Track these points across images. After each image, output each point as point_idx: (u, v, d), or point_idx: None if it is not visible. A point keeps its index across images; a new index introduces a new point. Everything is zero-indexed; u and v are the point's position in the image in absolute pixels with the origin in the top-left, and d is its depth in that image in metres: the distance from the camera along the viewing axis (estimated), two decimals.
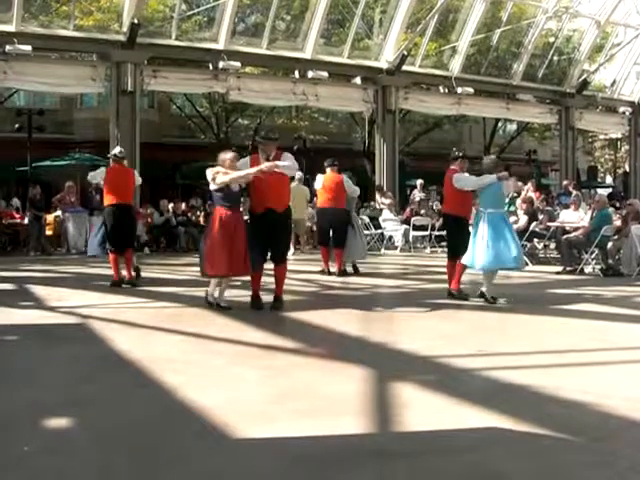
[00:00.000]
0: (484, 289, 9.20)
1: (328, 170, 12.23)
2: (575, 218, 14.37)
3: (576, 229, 13.45)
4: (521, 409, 4.50)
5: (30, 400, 4.76)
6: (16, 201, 19.72)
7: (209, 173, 8.32)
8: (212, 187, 8.31)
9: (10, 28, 17.08)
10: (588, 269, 12.86)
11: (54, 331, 7.28)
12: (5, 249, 17.45)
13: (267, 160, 8.22)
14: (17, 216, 18.69)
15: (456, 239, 9.53)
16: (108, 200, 10.39)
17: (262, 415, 4.40)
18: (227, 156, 8.33)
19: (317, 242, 12.67)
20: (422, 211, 19.63)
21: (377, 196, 20.63)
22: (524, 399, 4.80)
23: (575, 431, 4.11)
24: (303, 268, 12.61)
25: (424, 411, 4.49)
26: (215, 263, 8.15)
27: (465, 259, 9.16)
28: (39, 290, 10.07)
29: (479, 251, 8.93)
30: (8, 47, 16.97)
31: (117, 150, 11.05)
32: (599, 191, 31.86)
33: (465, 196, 9.47)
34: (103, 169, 11.03)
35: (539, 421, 4.22)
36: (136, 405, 4.69)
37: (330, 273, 12.08)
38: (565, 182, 22.93)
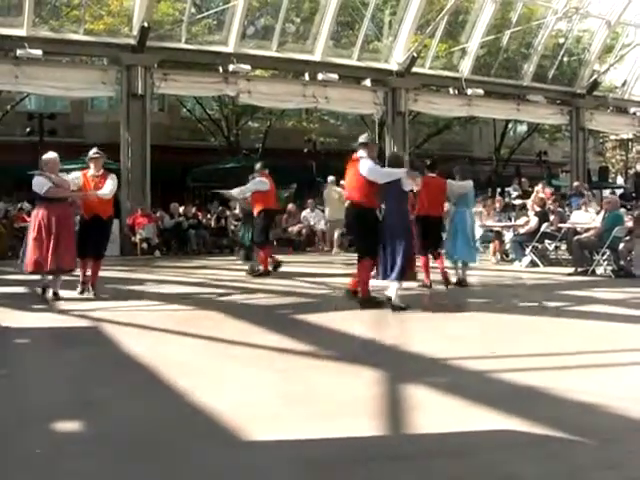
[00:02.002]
0: (464, 277, 10.74)
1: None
2: (586, 219, 14.31)
3: (587, 230, 13.40)
4: (533, 411, 4.49)
5: (42, 402, 4.79)
6: (27, 205, 19.75)
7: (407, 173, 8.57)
8: (407, 189, 8.64)
9: (21, 32, 17.17)
10: (599, 270, 12.80)
11: (66, 334, 7.32)
12: (16, 252, 17.51)
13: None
14: (28, 219, 18.75)
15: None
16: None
17: (276, 417, 4.41)
18: (406, 158, 8.67)
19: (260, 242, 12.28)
20: None
21: None
22: (536, 401, 4.79)
23: (587, 433, 4.10)
24: (318, 271, 12.61)
25: (437, 413, 4.49)
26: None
27: (463, 254, 10.69)
28: (50, 293, 10.07)
29: (470, 245, 10.64)
30: (19, 51, 17.07)
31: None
32: (607, 192, 31.77)
33: None
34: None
35: (551, 423, 4.22)
36: (149, 408, 4.70)
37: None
38: (576, 183, 22.88)
